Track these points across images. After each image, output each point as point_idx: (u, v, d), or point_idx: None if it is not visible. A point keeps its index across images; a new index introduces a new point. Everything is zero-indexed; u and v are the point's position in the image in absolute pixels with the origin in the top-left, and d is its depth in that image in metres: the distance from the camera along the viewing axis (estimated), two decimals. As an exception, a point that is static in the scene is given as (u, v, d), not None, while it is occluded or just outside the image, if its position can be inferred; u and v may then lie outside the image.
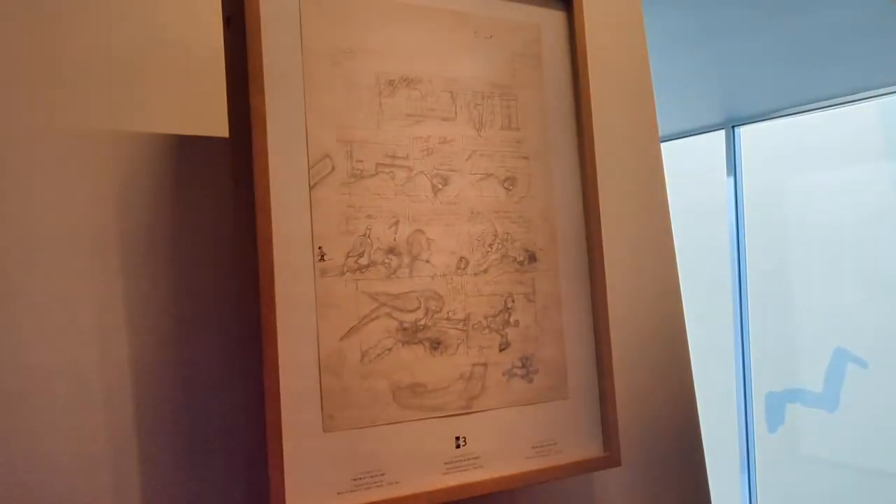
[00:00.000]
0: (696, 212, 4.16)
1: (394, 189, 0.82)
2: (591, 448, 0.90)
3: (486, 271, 0.87)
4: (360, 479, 0.77)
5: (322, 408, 0.76)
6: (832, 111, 3.26)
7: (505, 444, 0.85)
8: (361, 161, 0.81)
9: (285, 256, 0.75)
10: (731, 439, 4.13)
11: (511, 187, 0.89)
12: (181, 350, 0.82)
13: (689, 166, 4.16)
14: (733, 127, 3.49)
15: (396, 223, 0.82)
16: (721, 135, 3.69)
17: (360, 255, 0.79)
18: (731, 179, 3.76)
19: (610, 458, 0.91)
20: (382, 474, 0.78)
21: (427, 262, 0.83)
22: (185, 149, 0.85)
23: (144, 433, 0.79)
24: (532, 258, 0.90)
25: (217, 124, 0.86)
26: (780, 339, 3.98)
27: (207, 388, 0.82)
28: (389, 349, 0.80)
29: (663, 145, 1.26)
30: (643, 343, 1.10)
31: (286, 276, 0.75)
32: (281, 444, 0.73)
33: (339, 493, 0.75)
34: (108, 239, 0.80)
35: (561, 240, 0.92)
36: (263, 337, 0.73)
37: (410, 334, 0.81)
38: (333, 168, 0.79)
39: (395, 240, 0.81)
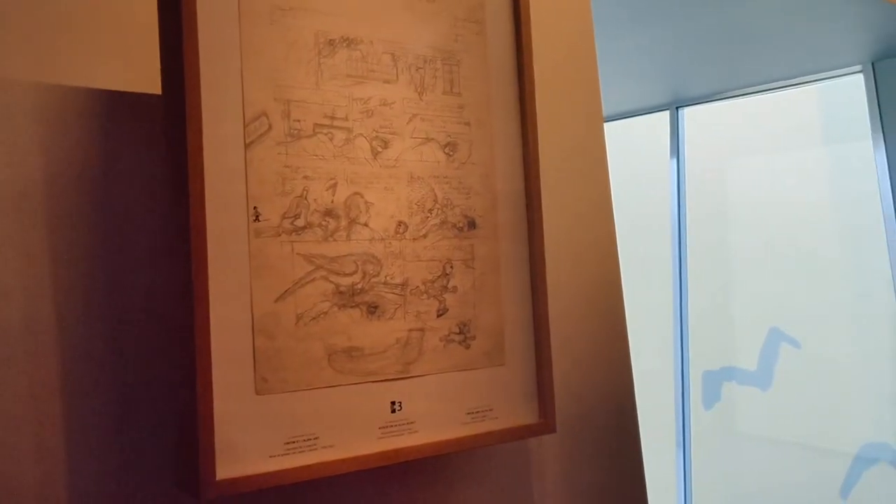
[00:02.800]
0: (640, 192, 4.22)
1: (332, 150, 0.81)
2: (526, 415, 0.91)
3: (425, 236, 0.86)
4: (293, 442, 0.76)
5: (255, 370, 0.75)
6: (775, 94, 3.33)
7: (440, 409, 0.85)
8: (299, 121, 0.79)
9: (219, 216, 0.74)
10: (668, 417, 4.23)
11: (452, 153, 0.89)
12: (110, 311, 0.79)
13: (634, 146, 4.22)
14: (677, 108, 3.55)
15: (334, 185, 0.80)
16: (665, 116, 3.75)
17: (297, 217, 0.78)
18: (675, 161, 3.82)
19: (545, 424, 0.92)
20: (316, 438, 0.77)
21: (365, 225, 0.82)
22: (116, 104, 0.82)
23: (70, 396, 0.77)
24: (472, 225, 0.90)
25: (149, 80, 0.83)
26: (717, 319, 4.07)
27: (137, 347, 0.80)
28: (325, 312, 0.79)
29: (608, 125, 1.27)
30: (581, 314, 1.11)
31: (219, 236, 0.74)
32: (211, 407, 0.71)
33: (271, 457, 0.74)
34: (33, 196, 0.77)
35: (501, 208, 0.92)
36: (194, 297, 0.71)
37: (347, 298, 0.80)
38: (270, 127, 0.77)
39: (332, 202, 0.80)
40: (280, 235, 0.77)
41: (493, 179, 0.91)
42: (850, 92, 2.72)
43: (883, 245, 2.85)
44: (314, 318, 0.78)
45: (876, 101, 2.38)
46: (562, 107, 1.16)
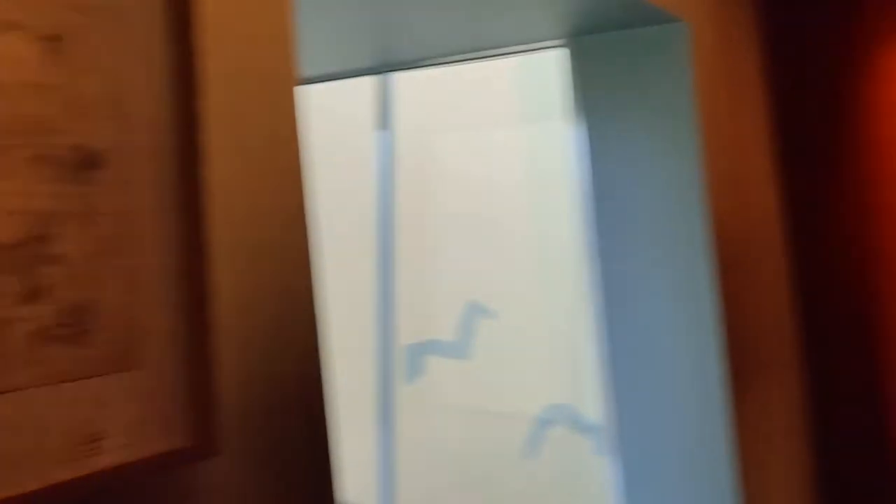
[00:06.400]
0: (345, 162, 4.06)
1: None
2: (174, 435, 0.64)
3: (8, 178, 0.55)
4: None
5: None
6: (483, 67, 3.31)
7: (31, 444, 0.55)
8: None
9: None
10: (369, 394, 4.16)
11: (57, 51, 0.58)
12: None
13: (338, 113, 4.03)
14: (387, 73, 3.40)
15: None
16: (372, 81, 3.58)
17: None
18: (383, 131, 3.69)
19: (204, 446, 0.66)
20: None
21: None
22: None
23: None
24: (90, 162, 0.60)
25: None
26: (420, 293, 4.07)
27: None
28: None
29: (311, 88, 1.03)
30: (260, 296, 0.86)
31: None
32: None
33: None
34: None
35: (141, 138, 0.63)
36: None
37: None
38: None
39: None
40: None
41: (126, 96, 0.62)
42: (551, 68, 2.77)
43: (571, 222, 2.98)
44: None
45: (575, 79, 2.42)
46: (243, 55, 0.88)
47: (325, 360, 0.94)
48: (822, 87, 2.69)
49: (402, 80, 3.65)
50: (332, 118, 3.97)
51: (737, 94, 2.42)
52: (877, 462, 2.66)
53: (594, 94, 2.38)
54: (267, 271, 0.86)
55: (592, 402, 3.40)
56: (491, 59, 2.82)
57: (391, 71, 3.28)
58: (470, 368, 3.98)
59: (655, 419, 2.19)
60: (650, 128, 2.17)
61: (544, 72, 3.10)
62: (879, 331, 2.66)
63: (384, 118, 3.67)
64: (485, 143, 3.77)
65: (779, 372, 2.52)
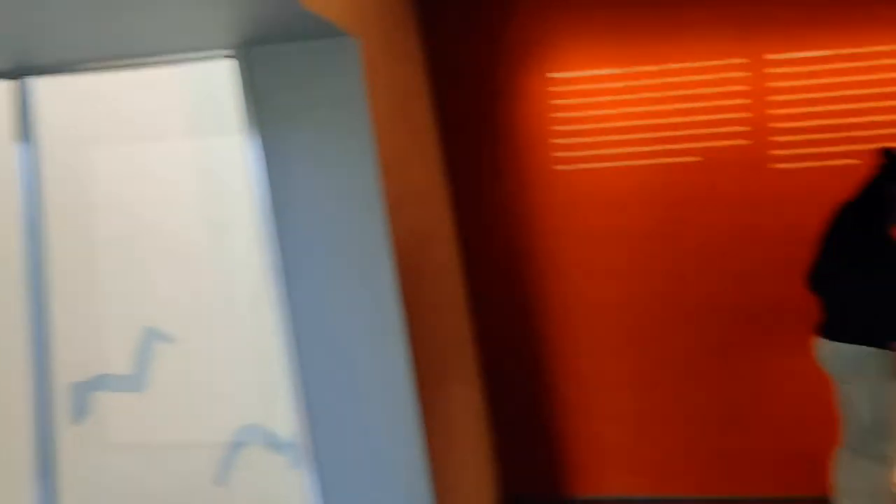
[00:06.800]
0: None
1: None
2: None
3: None
4: None
5: None
6: (147, 75, 3.06)
7: None
8: None
9: None
10: (26, 443, 3.68)
11: None
12: None
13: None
14: (26, 77, 2.98)
15: None
16: (8, 87, 3.13)
17: None
18: (25, 144, 3.25)
19: None
20: None
21: None
22: None
23: None
24: None
25: None
26: (86, 324, 3.70)
27: None
28: None
29: None
30: None
31: None
32: None
33: None
34: None
35: None
36: None
37: None
38: None
39: None
40: None
41: None
42: (222, 78, 2.64)
43: (252, 238, 2.89)
44: None
45: (246, 90, 2.31)
46: None
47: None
48: (477, 98, 2.92)
49: (48, 87, 3.25)
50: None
51: (406, 106, 2.52)
52: (543, 449, 2.97)
53: (268, 107, 2.31)
54: None
55: (285, 419, 3.35)
56: (150, 67, 2.61)
57: (30, 76, 2.91)
58: (149, 400, 3.71)
59: (349, 430, 2.19)
60: (326, 140, 2.16)
61: (217, 82, 2.96)
62: (542, 332, 2.96)
63: (25, 129, 3.23)
64: (151, 157, 3.52)
65: (461, 376, 2.67)
